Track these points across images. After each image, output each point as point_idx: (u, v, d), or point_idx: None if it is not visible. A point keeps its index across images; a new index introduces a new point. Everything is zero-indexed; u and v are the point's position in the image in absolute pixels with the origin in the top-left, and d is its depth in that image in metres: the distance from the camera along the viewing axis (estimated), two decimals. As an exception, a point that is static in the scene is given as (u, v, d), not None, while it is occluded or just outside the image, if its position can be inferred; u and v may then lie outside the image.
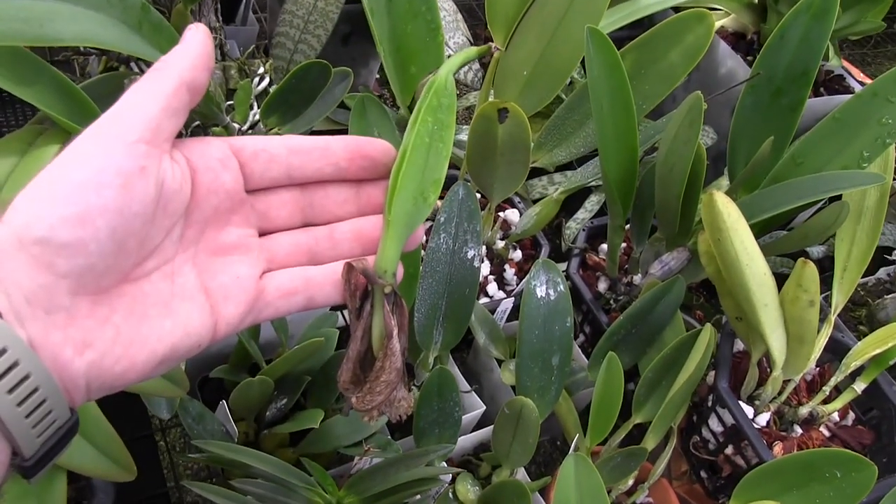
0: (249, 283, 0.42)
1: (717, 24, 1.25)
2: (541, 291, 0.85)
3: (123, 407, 0.69)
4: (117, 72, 0.90)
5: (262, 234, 0.44)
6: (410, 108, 0.78)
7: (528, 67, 0.89)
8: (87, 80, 0.87)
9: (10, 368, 0.32)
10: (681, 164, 0.88)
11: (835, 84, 1.33)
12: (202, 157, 0.40)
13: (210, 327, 0.40)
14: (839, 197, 0.94)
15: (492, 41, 1.32)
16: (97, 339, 0.36)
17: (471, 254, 0.86)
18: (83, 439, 0.65)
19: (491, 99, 0.98)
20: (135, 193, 0.36)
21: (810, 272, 0.84)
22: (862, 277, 1.05)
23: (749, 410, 0.91)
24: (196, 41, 0.40)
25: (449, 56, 1.08)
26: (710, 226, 0.85)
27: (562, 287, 0.86)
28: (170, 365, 0.39)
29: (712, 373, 0.96)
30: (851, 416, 0.98)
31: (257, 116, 0.87)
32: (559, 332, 0.86)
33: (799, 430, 0.93)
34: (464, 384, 0.95)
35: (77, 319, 0.35)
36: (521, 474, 0.91)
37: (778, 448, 0.89)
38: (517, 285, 1.05)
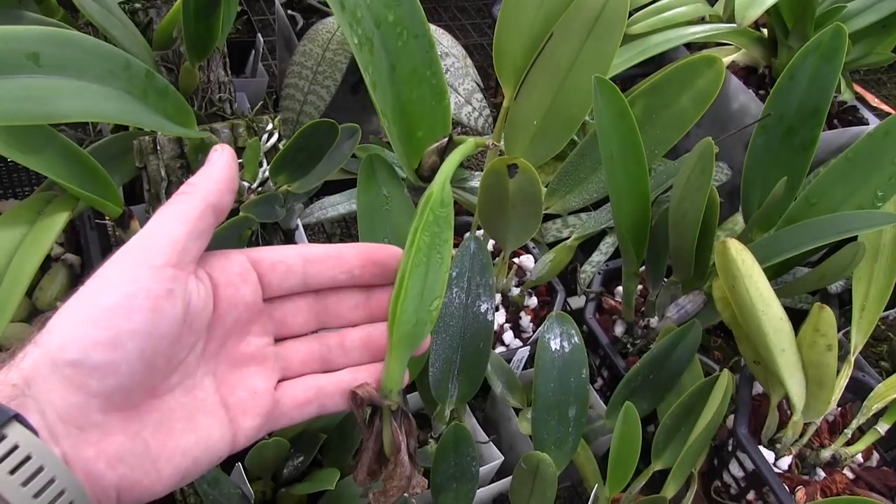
0: (266, 397, 0.43)
1: (728, 59, 1.24)
2: (555, 344, 0.85)
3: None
4: (127, 132, 0.90)
5: (277, 339, 0.45)
6: (418, 173, 0.78)
7: (538, 117, 0.89)
8: (95, 143, 0.88)
9: (46, 486, 0.34)
10: (693, 210, 0.88)
11: (848, 115, 1.32)
12: (223, 273, 0.42)
13: (229, 441, 0.42)
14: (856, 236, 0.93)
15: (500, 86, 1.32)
16: (128, 454, 0.38)
17: (484, 307, 0.85)
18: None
19: (501, 145, 0.98)
20: (163, 315, 0.38)
21: (827, 317, 0.83)
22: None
23: (770, 455, 0.90)
24: (221, 164, 0.41)
25: (459, 102, 1.08)
26: (725, 272, 0.84)
27: (576, 339, 0.86)
28: (191, 478, 0.40)
29: (732, 416, 0.95)
30: (876, 456, 0.96)
31: (267, 174, 0.88)
32: (574, 384, 0.86)
33: (822, 474, 0.92)
34: (481, 434, 0.95)
35: (110, 435, 0.37)
36: (542, 526, 0.90)
37: (800, 493, 0.88)
38: (533, 332, 1.04)
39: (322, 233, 1.42)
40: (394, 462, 0.49)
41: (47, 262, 0.98)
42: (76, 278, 0.98)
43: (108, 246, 1.03)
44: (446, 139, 0.77)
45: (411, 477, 0.49)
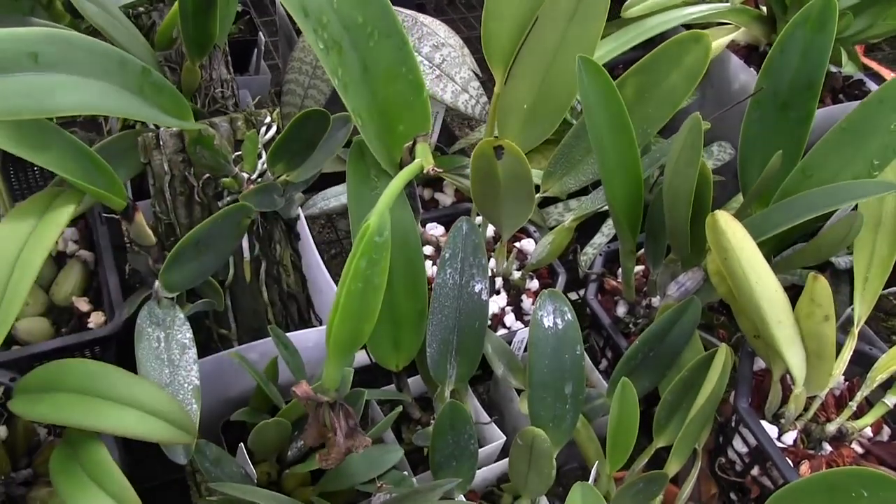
0: None
1: (728, 37, 1.24)
2: (548, 321, 0.86)
3: (158, 452, 0.73)
4: (133, 129, 0.94)
5: None
6: (401, 167, 0.80)
7: (528, 101, 0.90)
8: (102, 141, 0.92)
9: None
10: (685, 186, 0.88)
11: (854, 90, 1.31)
12: None
13: None
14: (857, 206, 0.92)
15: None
16: None
17: (478, 287, 0.87)
18: (97, 487, 0.68)
19: (496, 134, 0.99)
20: None
21: (822, 287, 0.82)
22: (892, 287, 1.02)
23: (773, 430, 0.90)
24: None
25: (448, 93, 1.10)
26: (717, 246, 0.84)
27: (569, 316, 0.86)
28: None
29: (734, 392, 0.94)
30: (886, 430, 0.95)
31: (265, 165, 0.90)
32: (570, 360, 0.86)
33: (828, 448, 0.91)
34: (483, 415, 0.96)
35: None
36: (544, 502, 0.91)
37: (805, 467, 0.88)
38: (535, 314, 1.05)
39: (330, 227, 1.44)
40: (331, 441, 0.70)
41: (62, 259, 1.02)
42: (90, 274, 1.02)
43: (121, 242, 1.06)
44: (412, 143, 0.80)
45: (347, 449, 0.70)
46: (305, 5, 0.73)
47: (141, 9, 0.99)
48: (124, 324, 0.91)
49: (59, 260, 1.02)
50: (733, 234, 0.83)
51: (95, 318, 0.97)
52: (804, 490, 0.78)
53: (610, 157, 0.89)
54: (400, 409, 0.86)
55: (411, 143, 0.80)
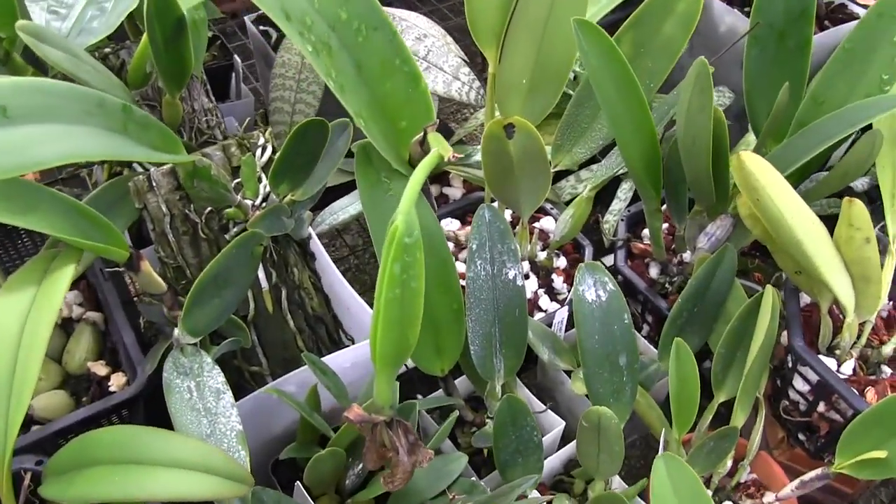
0: None
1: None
2: (591, 295, 0.83)
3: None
4: (121, 176, 0.89)
5: None
6: (410, 163, 0.76)
7: (527, 75, 0.87)
8: (91, 194, 0.87)
9: None
10: (702, 133, 0.86)
11: (838, 14, 1.30)
12: None
13: None
14: (870, 127, 0.90)
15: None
16: None
17: (512, 274, 0.83)
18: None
19: (497, 115, 0.96)
20: None
21: (858, 209, 0.80)
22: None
23: (831, 362, 0.88)
24: None
25: (437, 89, 1.07)
26: (746, 187, 0.82)
27: (611, 286, 0.84)
28: None
29: (785, 333, 0.92)
30: (939, 344, 0.93)
31: (268, 188, 0.86)
32: (619, 331, 0.83)
33: (888, 371, 0.89)
34: (537, 404, 0.93)
35: None
36: (617, 482, 0.88)
37: (871, 394, 0.85)
38: (568, 292, 1.02)
39: (335, 243, 1.41)
40: (395, 461, 0.66)
41: (70, 325, 0.97)
42: (102, 336, 0.97)
43: (128, 296, 1.01)
44: (422, 134, 0.76)
45: (412, 465, 0.66)
46: (286, 9, 0.69)
47: (107, 49, 0.94)
48: (148, 381, 0.86)
49: (66, 327, 0.97)
50: (762, 174, 0.80)
51: (116, 381, 0.92)
52: (879, 415, 0.77)
53: (621, 116, 0.86)
54: (457, 414, 0.83)
55: (421, 135, 0.76)
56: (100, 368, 0.94)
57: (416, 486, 0.80)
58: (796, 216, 0.80)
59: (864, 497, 1.08)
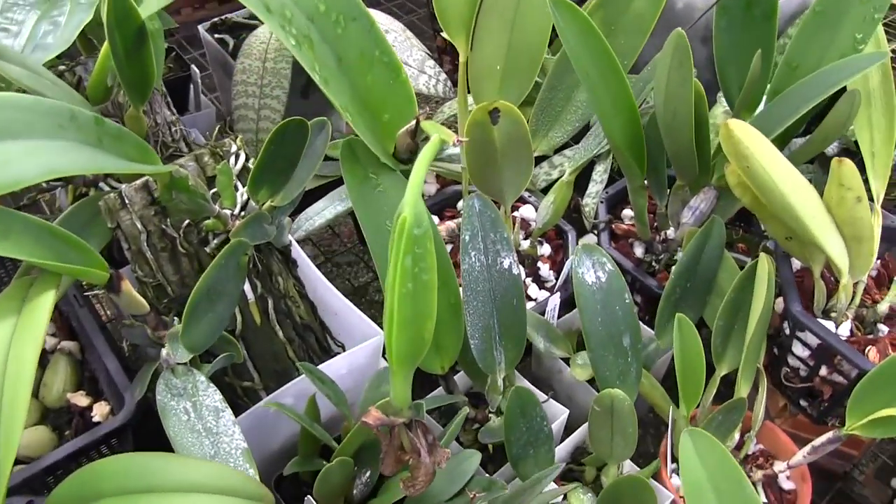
0: None
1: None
2: (590, 277, 0.82)
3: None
4: (89, 197, 0.85)
5: None
6: (395, 156, 0.74)
7: (500, 61, 0.85)
8: (62, 215, 0.83)
9: None
10: (683, 106, 0.85)
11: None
12: None
13: None
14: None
15: (445, 49, 1.28)
16: None
17: (507, 263, 0.82)
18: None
19: (470, 104, 0.94)
20: None
21: (848, 169, 0.80)
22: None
23: (829, 326, 0.88)
24: None
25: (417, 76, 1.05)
26: (735, 155, 0.81)
27: (609, 266, 0.82)
28: None
29: (778, 301, 0.92)
30: (927, 298, 0.94)
31: (245, 195, 0.83)
32: (621, 311, 0.82)
33: (885, 329, 0.89)
34: (539, 395, 0.91)
35: None
36: (628, 465, 0.87)
37: (873, 353, 0.85)
38: (556, 279, 1.01)
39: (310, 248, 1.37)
40: (416, 463, 0.64)
41: (43, 357, 0.92)
42: (79, 365, 0.92)
43: (100, 322, 0.97)
44: (414, 123, 0.74)
45: (434, 469, 0.64)
46: (266, 1, 0.66)
47: (62, 67, 0.90)
48: (136, 407, 0.82)
49: (41, 360, 0.92)
50: (751, 141, 0.80)
51: (100, 410, 0.88)
52: (887, 373, 0.76)
53: (602, 94, 0.85)
54: (466, 410, 0.80)
55: (409, 127, 0.74)
56: (80, 399, 0.89)
57: (432, 488, 0.77)
58: (787, 181, 0.80)
59: (866, 458, 1.08)
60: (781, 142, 0.95)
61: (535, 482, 0.72)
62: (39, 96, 0.65)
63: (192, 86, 1.19)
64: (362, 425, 0.62)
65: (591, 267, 0.82)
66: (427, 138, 0.87)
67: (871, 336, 0.88)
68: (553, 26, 0.83)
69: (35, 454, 0.84)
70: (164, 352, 0.78)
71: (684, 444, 0.69)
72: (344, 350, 0.94)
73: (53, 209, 0.99)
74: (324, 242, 1.40)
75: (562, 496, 0.83)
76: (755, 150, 0.80)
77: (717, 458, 0.68)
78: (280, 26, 0.65)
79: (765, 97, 0.94)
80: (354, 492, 0.82)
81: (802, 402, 0.92)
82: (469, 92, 0.88)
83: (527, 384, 0.91)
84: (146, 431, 0.93)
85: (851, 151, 1.06)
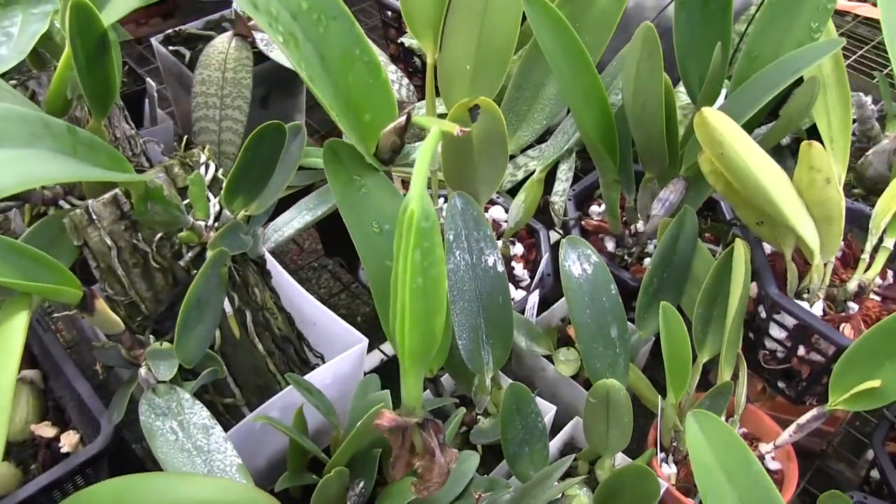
0: None
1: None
2: (576, 269, 0.82)
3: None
4: (51, 214, 0.81)
5: None
6: (377, 156, 0.73)
7: (470, 60, 0.85)
8: (27, 233, 0.79)
9: None
10: (652, 99, 0.86)
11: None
12: None
13: None
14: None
15: (398, 57, 1.27)
16: None
17: (491, 260, 0.81)
18: None
19: (439, 107, 0.94)
20: None
21: (818, 152, 0.82)
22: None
23: (803, 306, 0.89)
24: None
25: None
26: (709, 143, 0.82)
27: (595, 258, 0.82)
28: None
29: (752, 286, 0.93)
30: (890, 274, 0.97)
31: (218, 205, 0.80)
32: (608, 302, 0.82)
33: (854, 306, 0.91)
34: (526, 393, 0.90)
35: None
36: (620, 458, 0.86)
37: (847, 329, 0.88)
38: (531, 279, 1.01)
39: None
40: (429, 464, 0.61)
41: (6, 388, 0.87)
42: (43, 394, 0.88)
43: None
44: (405, 118, 0.73)
45: (448, 469, 0.62)
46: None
47: (12, 82, 0.85)
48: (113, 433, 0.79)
49: None
50: (725, 128, 0.81)
51: (68, 440, 0.83)
52: (864, 348, 0.78)
53: (573, 87, 0.86)
54: (463, 410, 0.79)
55: (394, 125, 0.73)
56: (45, 430, 0.85)
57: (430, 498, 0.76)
58: (761, 165, 0.81)
59: (839, 435, 1.11)
60: (747, 130, 0.97)
61: (545, 475, 0.71)
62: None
63: (147, 100, 1.14)
64: (376, 428, 0.60)
65: (577, 259, 0.82)
66: (417, 136, 0.85)
67: (843, 314, 0.90)
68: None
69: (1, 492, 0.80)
70: (142, 371, 0.75)
71: (690, 426, 0.69)
72: (323, 361, 0.91)
73: (8, 232, 0.93)
74: (287, 255, 1.37)
75: (560, 494, 0.82)
76: (729, 137, 0.81)
77: (724, 439, 0.68)
78: (268, 24, 0.64)
79: (724, 89, 0.96)
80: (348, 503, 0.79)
81: (780, 384, 0.94)
82: (438, 94, 0.87)
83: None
84: (123, 459, 0.89)
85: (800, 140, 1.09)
